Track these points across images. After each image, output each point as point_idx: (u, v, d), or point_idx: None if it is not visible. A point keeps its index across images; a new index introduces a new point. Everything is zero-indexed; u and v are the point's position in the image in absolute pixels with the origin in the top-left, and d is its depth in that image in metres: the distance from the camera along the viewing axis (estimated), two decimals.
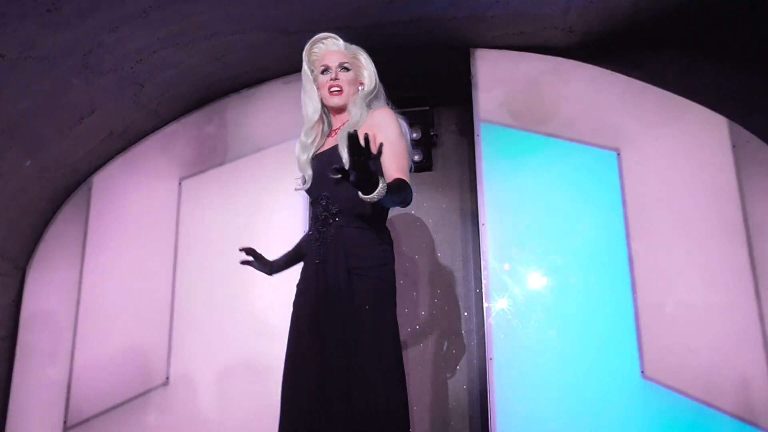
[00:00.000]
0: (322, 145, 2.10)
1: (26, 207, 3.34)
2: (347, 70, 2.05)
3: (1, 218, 3.22)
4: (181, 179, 3.47)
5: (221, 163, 3.45)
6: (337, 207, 1.96)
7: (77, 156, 3.42)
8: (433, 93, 3.69)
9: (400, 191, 1.79)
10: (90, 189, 3.54)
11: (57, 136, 3.24)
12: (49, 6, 2.54)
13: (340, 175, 1.58)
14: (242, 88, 3.54)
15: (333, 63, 2.06)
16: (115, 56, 3.01)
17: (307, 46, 2.11)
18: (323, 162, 2.01)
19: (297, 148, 2.10)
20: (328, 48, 2.09)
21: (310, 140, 2.08)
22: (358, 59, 2.10)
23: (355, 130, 1.54)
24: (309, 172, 2.05)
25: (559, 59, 3.21)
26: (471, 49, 3.27)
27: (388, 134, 1.92)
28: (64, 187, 3.50)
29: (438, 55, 3.39)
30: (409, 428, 1.89)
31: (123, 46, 2.96)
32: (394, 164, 1.88)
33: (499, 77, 3.24)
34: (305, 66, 2.11)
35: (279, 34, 3.11)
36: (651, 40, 3.19)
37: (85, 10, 2.64)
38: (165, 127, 3.59)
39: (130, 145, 3.59)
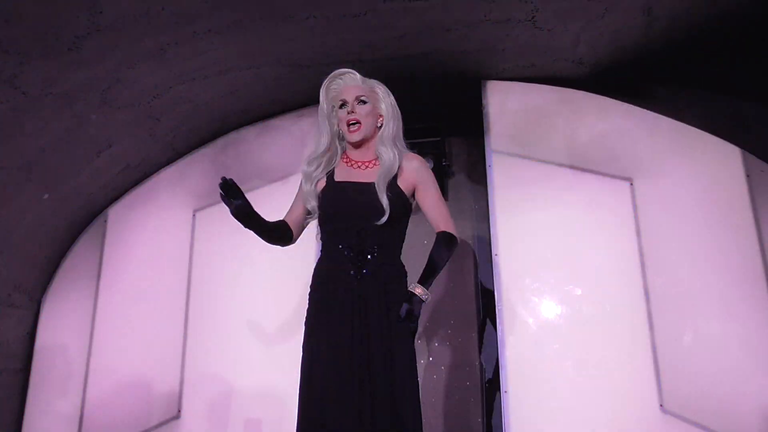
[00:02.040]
0: (333, 170, 2.14)
1: (43, 239, 3.38)
2: (364, 103, 2.11)
3: (18, 251, 3.25)
4: (195, 211, 3.50)
5: None
6: (375, 242, 2.01)
7: (93, 189, 3.47)
8: (445, 124, 3.73)
9: (449, 247, 2.09)
10: (105, 221, 3.58)
11: (75, 169, 3.29)
12: (70, 45, 2.61)
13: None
14: (256, 121, 3.59)
15: (350, 97, 2.12)
16: (132, 92, 3.07)
17: (325, 82, 2.17)
18: (356, 193, 2.05)
19: (303, 177, 2.16)
20: (345, 83, 2.15)
21: (313, 168, 2.14)
22: (376, 92, 2.15)
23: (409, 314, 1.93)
24: (313, 203, 2.12)
25: (570, 90, 3.23)
26: (482, 81, 3.31)
27: (432, 189, 2.15)
28: (81, 220, 3.55)
29: (450, 86, 3.43)
30: None
31: (140, 81, 3.02)
32: (442, 217, 2.14)
33: (510, 108, 3.26)
34: (322, 102, 2.17)
35: (292, 69, 3.17)
36: (662, 71, 3.21)
37: (105, 48, 2.71)
38: (180, 159, 3.63)
39: (145, 178, 3.63)
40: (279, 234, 2.16)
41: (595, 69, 3.22)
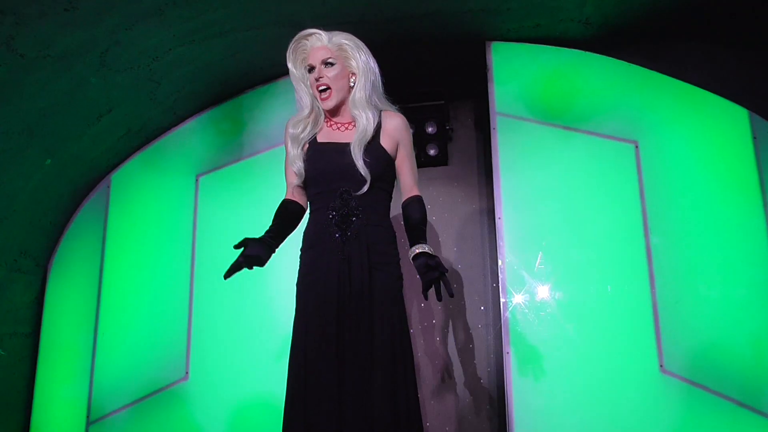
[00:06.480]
0: (317, 133, 2.10)
1: (46, 205, 3.39)
2: (332, 65, 2.03)
3: (23, 217, 3.26)
4: (198, 176, 3.49)
5: (238, 159, 3.46)
6: (359, 203, 1.98)
7: (96, 154, 3.46)
8: (448, 87, 3.67)
9: (424, 210, 2.13)
10: (109, 186, 3.58)
11: (76, 134, 3.27)
12: (66, 5, 2.56)
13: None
14: (258, 84, 3.55)
15: (316, 61, 2.04)
16: (131, 54, 3.03)
17: (291, 45, 2.09)
18: (336, 154, 2.01)
19: (288, 141, 2.10)
20: (312, 45, 2.07)
21: (299, 131, 2.09)
22: (344, 50, 2.05)
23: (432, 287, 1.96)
24: (299, 164, 2.07)
25: (576, 51, 3.18)
26: (487, 42, 3.25)
27: (408, 147, 2.13)
28: (84, 185, 3.54)
29: (453, 48, 3.37)
30: (422, 423, 1.95)
31: (139, 44, 2.98)
32: (411, 178, 2.14)
33: (515, 70, 3.22)
34: (290, 65, 2.10)
35: (294, 30, 3.08)
36: (669, 31, 3.15)
37: (102, 9, 2.66)
38: (181, 124, 3.61)
39: (147, 143, 3.61)
40: (291, 222, 2.17)
41: (602, 29, 3.16)
